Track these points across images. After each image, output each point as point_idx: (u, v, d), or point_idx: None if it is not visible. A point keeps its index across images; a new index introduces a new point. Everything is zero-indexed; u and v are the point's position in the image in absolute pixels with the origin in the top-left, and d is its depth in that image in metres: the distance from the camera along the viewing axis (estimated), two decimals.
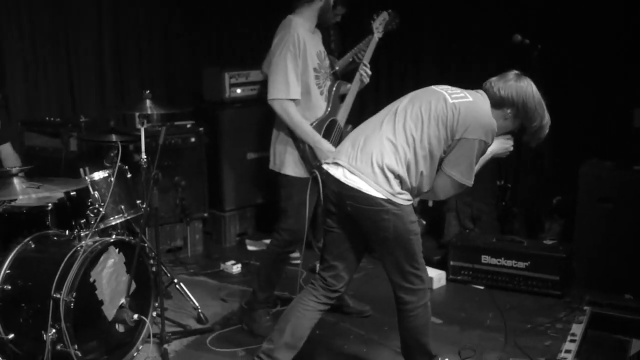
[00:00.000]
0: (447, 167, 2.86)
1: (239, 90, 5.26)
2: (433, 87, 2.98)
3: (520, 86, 2.88)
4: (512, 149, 3.16)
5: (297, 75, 3.54)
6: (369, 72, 3.75)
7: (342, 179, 2.83)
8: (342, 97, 3.80)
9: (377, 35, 3.82)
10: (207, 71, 5.39)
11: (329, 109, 3.70)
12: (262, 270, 3.86)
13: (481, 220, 5.12)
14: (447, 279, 4.51)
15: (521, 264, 4.32)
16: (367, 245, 3.02)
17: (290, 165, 3.64)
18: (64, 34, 5.10)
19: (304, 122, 3.56)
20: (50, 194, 3.35)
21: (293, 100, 3.54)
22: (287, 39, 3.52)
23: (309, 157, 3.57)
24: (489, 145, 2.89)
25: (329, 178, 2.90)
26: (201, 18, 5.97)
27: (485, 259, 4.41)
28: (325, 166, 2.95)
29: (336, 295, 3.05)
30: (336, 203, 2.91)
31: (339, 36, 5.09)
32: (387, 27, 3.85)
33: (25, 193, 3.17)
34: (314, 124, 3.62)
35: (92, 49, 5.29)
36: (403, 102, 2.93)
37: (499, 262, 4.38)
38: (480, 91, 2.95)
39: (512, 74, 2.93)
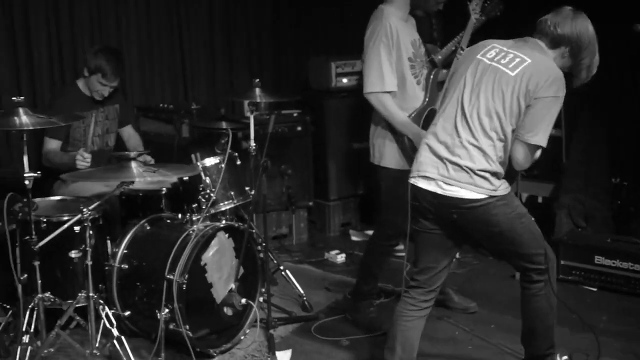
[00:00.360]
0: (522, 131, 2.71)
1: (344, 80, 5.26)
2: (482, 60, 2.81)
3: (578, 22, 2.76)
4: None
5: (392, 66, 3.47)
6: None
7: (440, 191, 2.75)
8: (441, 85, 3.68)
9: (474, 16, 3.68)
10: (313, 60, 5.42)
11: (426, 98, 3.62)
12: (364, 262, 3.85)
13: (594, 218, 4.89)
14: (557, 279, 4.32)
15: (638, 267, 4.09)
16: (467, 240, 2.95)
17: (389, 157, 3.59)
18: (177, 25, 5.27)
19: (401, 115, 3.50)
20: (164, 178, 3.47)
21: (389, 92, 3.48)
22: (379, 30, 3.46)
23: (409, 149, 3.50)
24: (562, 99, 2.71)
25: (420, 192, 2.82)
26: (310, 6, 6.00)
27: (599, 259, 4.21)
28: (412, 181, 2.85)
29: (434, 295, 2.95)
30: (435, 212, 2.82)
31: (441, 25, 4.98)
32: (490, 13, 3.73)
33: (141, 176, 3.29)
34: (413, 115, 3.55)
35: (203, 39, 5.43)
36: (466, 95, 2.78)
37: (613, 263, 4.17)
38: (530, 40, 2.82)
39: (568, 9, 2.81)
